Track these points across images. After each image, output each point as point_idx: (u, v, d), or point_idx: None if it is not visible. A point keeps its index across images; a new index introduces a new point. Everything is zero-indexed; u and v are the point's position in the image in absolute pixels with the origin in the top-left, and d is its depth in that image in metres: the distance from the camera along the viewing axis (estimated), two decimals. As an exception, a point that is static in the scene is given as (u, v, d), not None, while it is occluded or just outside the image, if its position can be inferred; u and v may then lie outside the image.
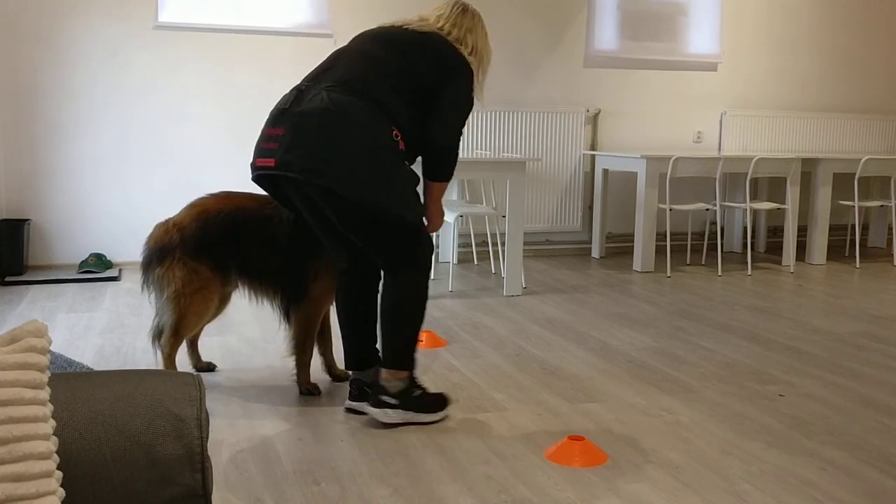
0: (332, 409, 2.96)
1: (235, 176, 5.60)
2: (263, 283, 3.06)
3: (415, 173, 2.78)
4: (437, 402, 2.83)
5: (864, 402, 3.12)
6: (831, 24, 6.92)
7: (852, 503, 2.28)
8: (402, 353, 2.75)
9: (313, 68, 2.81)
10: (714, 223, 6.08)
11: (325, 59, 2.83)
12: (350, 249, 2.86)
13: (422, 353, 3.63)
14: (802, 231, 6.41)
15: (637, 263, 5.75)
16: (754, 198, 6.40)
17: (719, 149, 6.68)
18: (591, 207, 6.35)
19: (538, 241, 6.21)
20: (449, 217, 4.69)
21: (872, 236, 7.06)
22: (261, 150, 2.68)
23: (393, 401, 2.74)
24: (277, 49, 5.60)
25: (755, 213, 6.55)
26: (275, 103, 2.74)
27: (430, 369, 3.41)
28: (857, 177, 6.08)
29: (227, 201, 3.06)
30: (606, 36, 6.32)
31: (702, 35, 6.56)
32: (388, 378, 2.74)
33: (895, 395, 3.19)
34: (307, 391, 3.09)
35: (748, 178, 5.71)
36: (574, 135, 6.22)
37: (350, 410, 2.89)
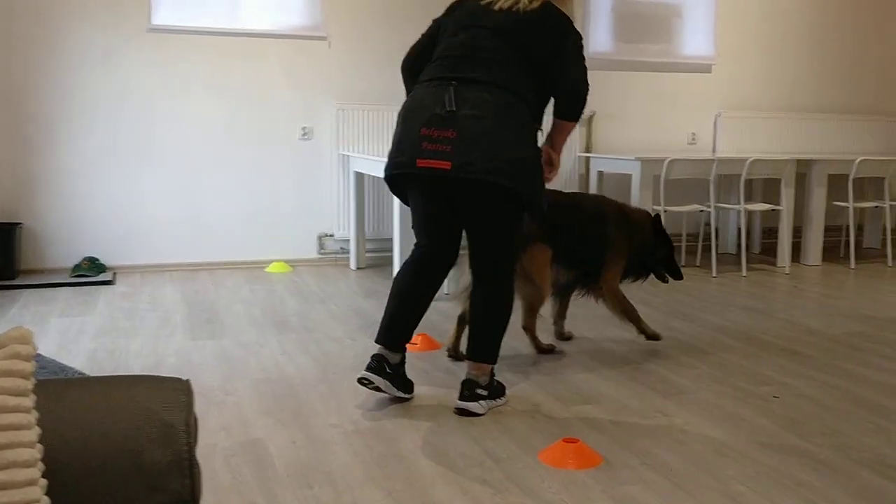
0: (325, 412, 2.95)
1: (230, 178, 5.60)
2: (568, 261, 3.62)
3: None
4: (501, 386, 3.05)
5: (858, 402, 3.12)
6: (824, 26, 6.93)
7: (847, 503, 2.28)
8: (496, 349, 2.96)
9: (440, 57, 2.87)
10: (708, 224, 6.07)
11: (444, 44, 2.89)
12: (438, 241, 3.01)
13: (417, 355, 3.62)
14: (797, 232, 6.42)
15: (632, 265, 5.74)
16: (749, 199, 6.39)
17: (714, 150, 6.68)
18: (586, 209, 6.34)
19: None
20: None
21: (867, 237, 7.06)
22: (425, 151, 2.75)
23: (485, 392, 2.93)
24: (271, 52, 5.60)
25: (750, 214, 6.54)
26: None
27: (427, 372, 3.40)
28: (851, 178, 6.08)
29: (560, 194, 3.66)
30: (601, 38, 6.32)
31: (696, 37, 6.57)
32: (478, 372, 2.93)
33: (889, 396, 3.19)
34: (654, 336, 3.82)
35: (742, 179, 5.71)
36: (569, 138, 6.20)
37: (364, 380, 2.97)
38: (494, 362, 2.97)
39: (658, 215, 3.93)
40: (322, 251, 5.85)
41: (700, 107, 6.66)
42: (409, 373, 3.26)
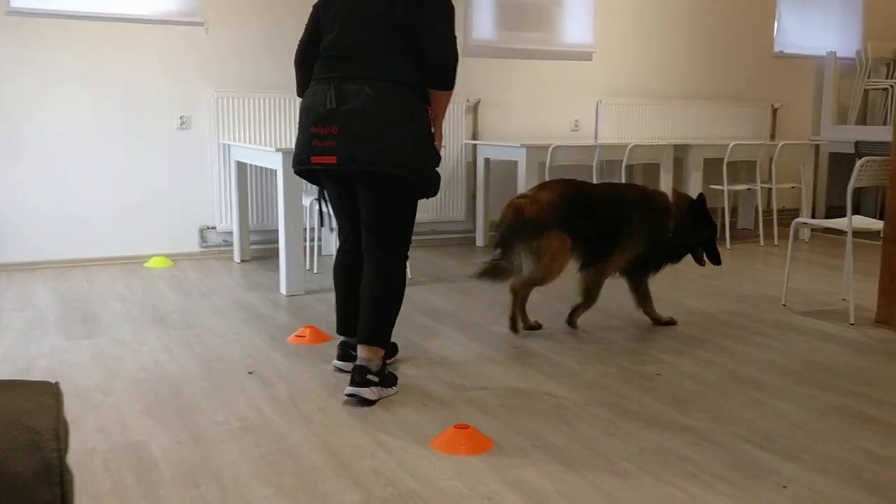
0: (211, 410, 2.85)
1: (104, 171, 5.35)
2: (594, 249, 3.81)
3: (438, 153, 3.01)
4: (393, 376, 3.07)
5: (735, 377, 3.25)
6: (699, 14, 7.19)
7: (726, 475, 2.37)
8: (386, 333, 3.00)
9: (322, 56, 2.94)
10: (592, 209, 6.23)
11: (323, 40, 2.96)
12: (357, 231, 3.08)
13: (305, 348, 3.56)
14: (675, 215, 6.64)
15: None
16: (630, 184, 6.58)
17: (595, 137, 6.85)
18: (474, 196, 6.39)
19: (423, 231, 6.20)
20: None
21: (741, 218, 7.40)
22: (314, 149, 2.88)
23: (376, 378, 2.94)
24: (145, 38, 5.36)
25: (631, 198, 6.74)
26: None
27: (316, 365, 3.34)
28: (725, 162, 6.35)
29: (576, 185, 3.85)
30: (484, 26, 6.36)
31: (577, 25, 6.70)
32: (370, 357, 2.94)
33: (763, 371, 3.35)
34: (668, 322, 4.02)
35: (624, 164, 5.88)
36: (455, 124, 6.24)
37: (338, 370, 3.20)
38: (385, 347, 3.00)
39: (702, 197, 3.98)
40: (204, 244, 5.67)
41: (582, 94, 6.80)
42: (296, 365, 3.20)
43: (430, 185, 2.99)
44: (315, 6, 3.07)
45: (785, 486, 2.30)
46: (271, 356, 3.46)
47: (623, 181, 5.82)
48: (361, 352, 2.94)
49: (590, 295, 3.94)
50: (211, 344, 3.62)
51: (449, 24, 2.93)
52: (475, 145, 6.32)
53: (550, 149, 5.61)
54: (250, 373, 3.24)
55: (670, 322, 4.04)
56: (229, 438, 2.61)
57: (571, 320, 3.96)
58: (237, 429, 2.69)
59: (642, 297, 4.02)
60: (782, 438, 2.63)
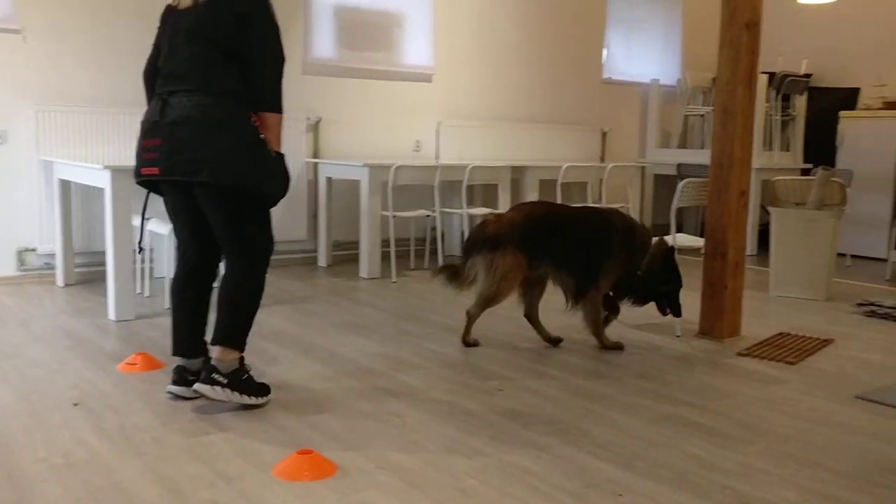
0: (31, 446, 2.63)
1: None
2: (565, 273, 3.87)
3: (280, 153, 3.00)
4: (262, 389, 3.08)
5: (573, 390, 3.36)
6: (533, 41, 7.46)
7: (566, 486, 2.43)
8: (239, 334, 3.01)
9: (158, 75, 3.00)
10: (434, 229, 6.29)
11: (160, 57, 3.02)
12: (198, 243, 3.08)
13: (137, 376, 3.37)
14: (514, 234, 6.82)
15: (363, 270, 5.80)
16: (470, 204, 6.71)
17: (437, 157, 6.94)
18: (315, 216, 6.31)
19: (262, 251, 6.04)
20: (164, 229, 4.41)
21: (574, 237, 7.69)
22: (143, 161, 2.96)
23: (223, 379, 2.96)
24: (-46, 44, 4.94)
25: (472, 217, 6.87)
26: None
27: (148, 394, 3.16)
28: (559, 182, 6.60)
29: (548, 207, 4.05)
30: (324, 44, 6.31)
31: (417, 47, 6.78)
32: (222, 357, 2.97)
33: (598, 382, 3.47)
34: (614, 346, 3.98)
35: (464, 185, 5.98)
36: (296, 143, 6.13)
37: (172, 394, 3.09)
38: (239, 349, 3.01)
39: (672, 248, 4.06)
40: (23, 267, 5.26)
41: (423, 115, 6.88)
42: (127, 395, 3.02)
43: (268, 191, 2.98)
44: (160, 22, 3.12)
45: (621, 495, 2.38)
46: (99, 386, 3.24)
47: (573, 202, 5.92)
48: (213, 352, 3.00)
49: (604, 316, 4.04)
50: (31, 375, 3.36)
51: (273, 47, 2.95)
52: (316, 164, 6.24)
53: (393, 168, 5.63)
54: (75, 404, 3.02)
55: (617, 347, 4.03)
56: (51, 476, 2.41)
57: (606, 345, 4.00)
58: (60, 465, 2.49)
59: (590, 323, 4.04)
60: (618, 448, 2.74)
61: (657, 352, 3.99)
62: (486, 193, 6.94)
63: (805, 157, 7.90)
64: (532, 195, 6.57)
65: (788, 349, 4.05)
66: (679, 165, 7.58)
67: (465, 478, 2.47)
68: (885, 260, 6.98)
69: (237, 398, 2.97)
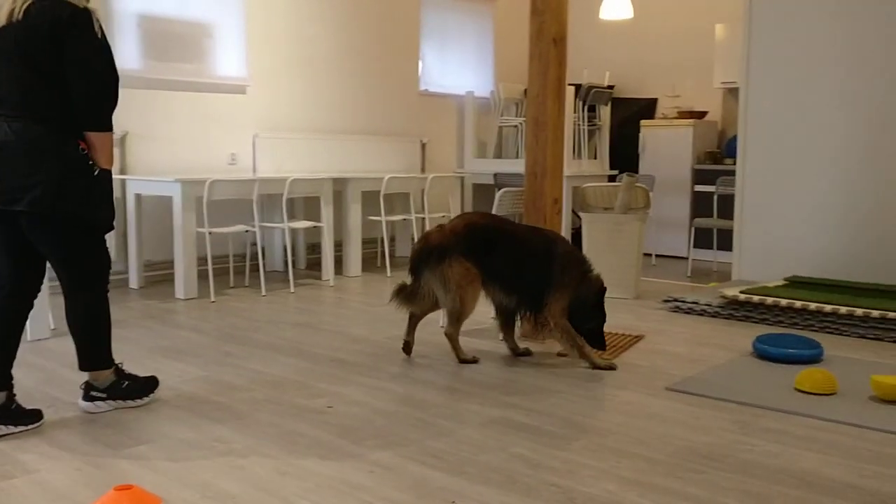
0: None
1: None
2: (507, 289, 3.86)
3: (107, 176, 2.98)
4: (147, 386, 3.28)
5: (402, 401, 3.36)
6: (350, 53, 7.45)
7: (399, 498, 2.42)
8: (102, 354, 3.14)
9: None
10: (255, 244, 6.13)
11: None
12: (19, 274, 2.99)
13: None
14: (339, 246, 6.79)
15: (179, 291, 5.55)
16: (292, 217, 6.60)
17: (254, 170, 6.77)
18: (125, 235, 5.97)
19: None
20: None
21: (399, 246, 7.76)
22: None
23: (102, 394, 3.15)
24: None
25: (294, 231, 6.76)
26: None
27: (-65, 438, 2.86)
28: (382, 194, 6.62)
29: (490, 218, 3.97)
30: (129, 55, 6.00)
31: (229, 58, 6.59)
32: (94, 377, 3.15)
33: (427, 392, 3.50)
34: (608, 367, 3.85)
35: (284, 198, 5.87)
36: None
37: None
38: (105, 366, 3.15)
39: (604, 288, 3.93)
40: None
41: (238, 127, 6.69)
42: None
43: (97, 219, 2.97)
44: None
45: (454, 502, 2.40)
46: None
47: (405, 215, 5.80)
48: (90, 375, 3.16)
49: (578, 345, 3.88)
50: None
51: (96, 62, 2.87)
52: (124, 180, 5.91)
53: (207, 183, 5.42)
54: None
55: (527, 353, 4.09)
56: None
57: (598, 365, 3.89)
58: None
59: (509, 332, 4.08)
60: (449, 455, 2.76)
61: (484, 357, 4.07)
62: (308, 206, 6.85)
63: (611, 164, 8.37)
64: (355, 207, 6.55)
65: (604, 347, 4.25)
66: (496, 175, 7.82)
67: (297, 500, 2.40)
68: (686, 258, 7.52)
69: (122, 405, 3.18)
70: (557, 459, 2.73)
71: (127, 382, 3.21)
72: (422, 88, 8.14)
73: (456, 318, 3.87)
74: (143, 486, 2.45)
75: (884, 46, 5.39)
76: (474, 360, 3.95)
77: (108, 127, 2.94)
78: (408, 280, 3.97)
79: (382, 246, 7.28)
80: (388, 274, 6.65)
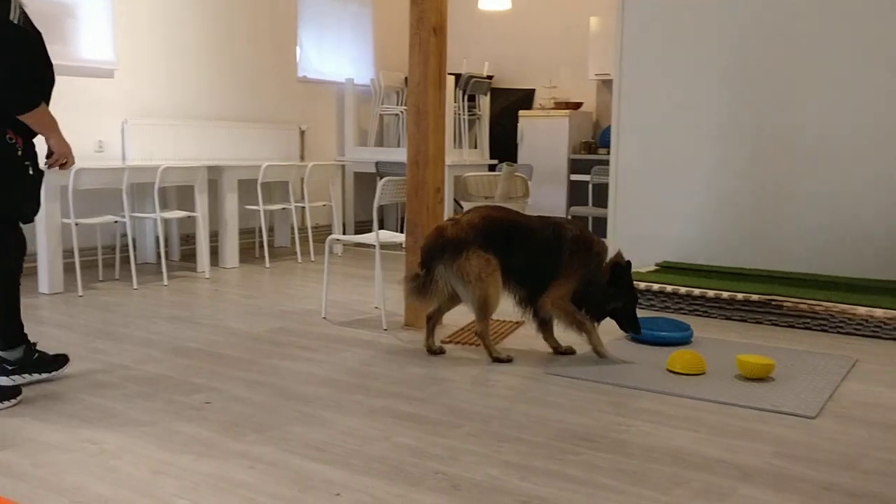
0: None
1: None
2: (512, 280, 3.79)
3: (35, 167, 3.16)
4: (58, 361, 3.44)
5: (284, 394, 3.29)
6: (225, 38, 7.22)
7: (282, 493, 2.37)
8: (8, 335, 3.28)
9: None
10: (125, 235, 5.87)
11: None
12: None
13: None
14: (214, 237, 6.60)
15: (44, 285, 5.25)
16: (164, 207, 6.36)
17: (123, 158, 6.47)
18: (-18, 227, 5.59)
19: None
20: None
21: (278, 237, 7.61)
22: None
23: (11, 367, 3.28)
24: None
25: (167, 222, 6.51)
26: None
27: None
28: (259, 182, 6.47)
29: (504, 211, 3.86)
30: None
31: (94, 40, 6.26)
32: (6, 356, 3.29)
33: (308, 384, 3.44)
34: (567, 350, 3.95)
35: (156, 187, 5.64)
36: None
37: None
38: (15, 345, 3.28)
39: (628, 264, 3.80)
40: None
41: (105, 113, 6.38)
42: None
43: (22, 211, 3.14)
44: None
45: (338, 494, 2.37)
46: None
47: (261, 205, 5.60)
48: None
49: (545, 325, 3.93)
50: None
51: (3, 49, 2.95)
52: (-19, 169, 5.53)
53: (73, 172, 5.15)
54: None
55: (570, 351, 3.97)
56: None
57: (557, 347, 3.97)
58: None
59: (542, 325, 3.95)
60: (332, 447, 2.72)
61: (367, 347, 4.04)
62: (181, 195, 6.61)
63: (491, 153, 8.48)
64: (231, 196, 6.37)
65: (486, 334, 4.30)
66: (377, 163, 7.78)
67: (175, 500, 2.32)
68: (562, 245, 7.69)
69: (36, 377, 3.34)
70: (441, 447, 2.74)
71: (38, 355, 3.37)
72: (300, 75, 8.00)
73: (483, 313, 3.74)
74: (7, 497, 2.30)
75: (758, 38, 5.67)
76: (508, 360, 3.80)
77: (33, 104, 3.07)
78: (421, 274, 3.80)
79: (261, 236, 7.12)
80: (267, 264, 6.52)
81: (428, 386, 3.42)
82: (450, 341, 4.14)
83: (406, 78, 8.15)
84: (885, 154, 5.24)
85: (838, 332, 4.49)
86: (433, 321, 3.97)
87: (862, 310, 4.40)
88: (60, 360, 3.45)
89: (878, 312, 4.35)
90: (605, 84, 8.20)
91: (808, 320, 4.56)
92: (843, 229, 5.31)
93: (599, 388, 3.43)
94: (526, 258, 3.77)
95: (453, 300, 3.88)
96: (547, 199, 8.07)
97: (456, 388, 3.41)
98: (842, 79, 5.36)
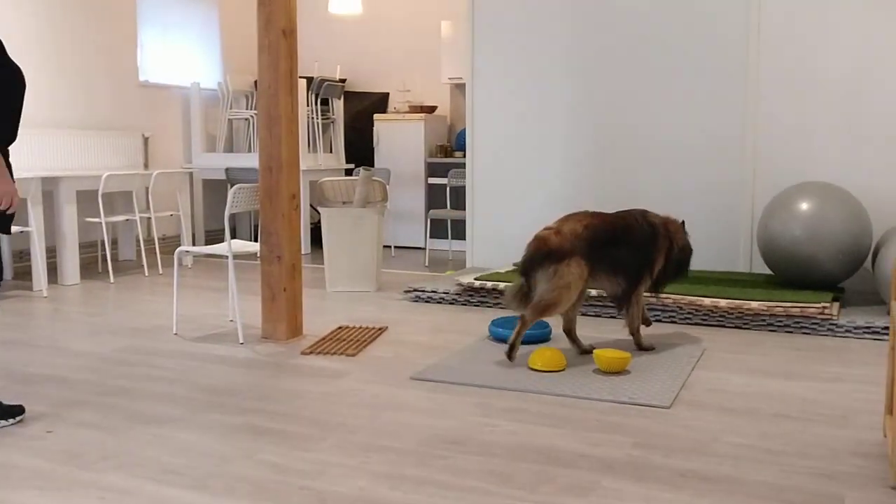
0: None
1: None
2: (617, 279, 3.93)
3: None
4: (13, 411, 3.04)
5: (135, 417, 3.10)
6: (59, 40, 6.77)
7: (136, 526, 2.21)
8: None
9: None
10: (-49, 254, 5.39)
11: None
12: None
13: None
14: (52, 252, 6.17)
15: None
16: (-5, 222, 5.88)
17: (-54, 170, 5.94)
18: None
19: None
20: None
21: (123, 250, 7.21)
22: None
23: None
24: None
25: (-2, 238, 6.04)
26: None
27: None
28: (100, 193, 6.11)
29: (600, 216, 3.93)
30: None
31: None
32: None
33: (162, 405, 3.26)
34: (650, 347, 4.09)
35: (-16, 200, 5.20)
36: None
37: None
38: None
39: (682, 223, 4.19)
40: None
41: (-78, 122, 5.83)
42: None
43: None
44: None
45: (198, 521, 2.24)
46: None
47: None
48: None
49: (646, 319, 4.18)
50: None
51: None
52: None
53: None
54: None
55: (651, 348, 4.10)
56: None
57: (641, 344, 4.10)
58: None
59: (635, 320, 4.10)
60: (190, 470, 2.58)
61: (223, 362, 3.88)
62: (14, 209, 6.13)
63: (347, 157, 8.39)
64: (69, 208, 5.98)
65: (348, 342, 4.23)
66: (228, 170, 7.53)
67: (12, 542, 2.12)
68: (423, 248, 7.73)
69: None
70: (306, 461, 2.65)
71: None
72: (142, 79, 7.62)
73: (542, 309, 3.78)
74: None
75: (608, 43, 5.87)
76: (590, 350, 4.00)
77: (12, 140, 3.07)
78: (521, 282, 3.87)
79: (103, 249, 6.72)
80: (112, 280, 6.16)
81: (289, 399, 3.32)
82: (310, 352, 4.03)
83: (255, 81, 7.93)
84: (716, 157, 5.56)
85: (687, 323, 4.70)
86: (572, 333, 4.06)
87: (707, 301, 4.63)
88: (16, 410, 3.06)
89: (722, 303, 4.59)
90: (459, 88, 8.28)
91: (659, 312, 4.75)
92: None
93: (464, 390, 3.44)
94: (629, 255, 3.93)
95: (576, 304, 3.96)
96: (406, 202, 8.06)
97: (319, 399, 3.32)
98: (677, 87, 5.65)
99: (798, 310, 4.43)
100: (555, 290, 3.74)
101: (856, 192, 5.21)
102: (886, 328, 4.30)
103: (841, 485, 2.46)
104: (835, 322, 4.40)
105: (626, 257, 3.92)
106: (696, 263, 5.59)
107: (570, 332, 4.05)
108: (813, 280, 4.80)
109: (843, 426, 2.98)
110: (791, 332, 4.48)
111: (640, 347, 4.07)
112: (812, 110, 5.33)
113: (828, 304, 4.42)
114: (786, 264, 4.83)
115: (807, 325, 4.46)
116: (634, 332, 4.08)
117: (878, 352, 4.05)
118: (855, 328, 4.37)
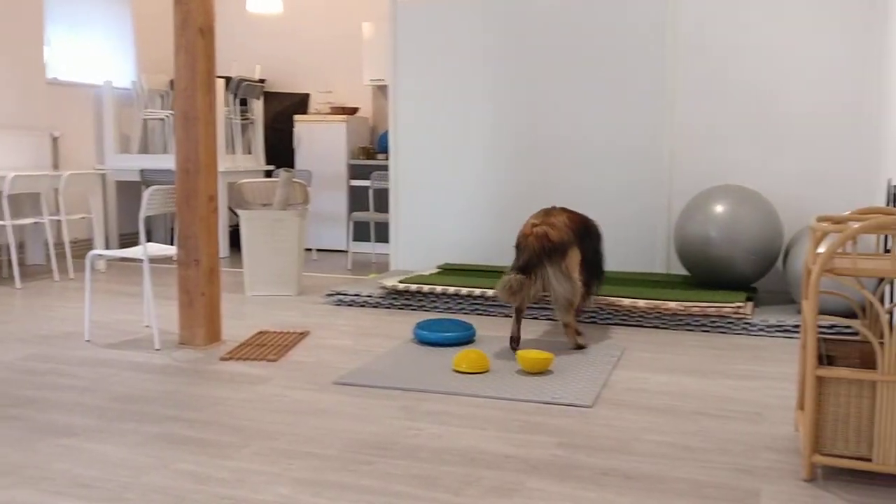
0: None
1: None
2: (586, 268, 4.20)
3: None
4: None
5: (43, 429, 2.96)
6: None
7: (44, 543, 2.11)
8: None
9: None
10: None
11: None
12: None
13: None
14: (-46, 257, 5.87)
15: None
16: None
17: None
18: None
19: None
20: None
21: (30, 254, 6.92)
22: None
23: None
24: None
25: None
26: None
27: None
28: (6, 195, 5.85)
29: (567, 212, 4.24)
30: None
31: None
32: None
33: (73, 415, 3.13)
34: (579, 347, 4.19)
35: None
36: None
37: None
38: None
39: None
40: None
41: None
42: None
43: None
44: None
45: (111, 535, 2.15)
46: None
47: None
48: None
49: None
50: None
51: None
52: None
53: None
54: None
55: (584, 346, 4.19)
56: None
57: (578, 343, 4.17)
58: None
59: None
60: (103, 482, 2.48)
61: (138, 369, 3.75)
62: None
63: (267, 159, 8.25)
64: (-27, 211, 5.70)
65: (269, 347, 4.15)
66: (142, 171, 7.31)
67: None
68: (346, 251, 7.65)
69: None
70: (227, 470, 2.58)
71: None
72: (50, 77, 7.33)
73: (571, 306, 4.01)
74: None
75: (529, 46, 5.91)
76: (584, 346, 4.16)
77: None
78: (519, 276, 3.92)
79: (9, 254, 6.44)
80: (18, 285, 5.90)
81: (208, 407, 3.22)
82: (230, 358, 3.94)
83: (172, 80, 7.72)
84: (634, 161, 5.67)
85: (607, 324, 4.77)
86: (522, 314, 4.11)
87: (626, 301, 4.71)
88: None
89: (641, 303, 4.68)
90: (381, 89, 8.24)
91: (580, 313, 4.81)
92: (604, 228, 5.68)
93: (389, 394, 3.40)
94: (591, 247, 4.27)
95: (536, 296, 4.04)
96: (327, 205, 7.97)
97: (238, 406, 3.23)
98: (596, 92, 5.74)
99: (714, 309, 4.55)
100: (573, 284, 3.99)
101: (767, 194, 5.39)
102: (797, 326, 4.45)
103: (757, 479, 2.52)
104: (749, 321, 4.54)
105: (589, 249, 4.26)
106: (615, 264, 5.71)
107: (521, 311, 4.10)
108: (727, 280, 4.94)
109: (759, 422, 3.06)
110: (708, 331, 4.59)
111: (578, 346, 4.13)
112: (726, 117, 5.49)
113: (742, 304, 4.55)
114: (701, 265, 4.96)
115: (722, 325, 4.58)
116: (575, 332, 4.15)
117: (789, 349, 4.19)
118: (768, 327, 4.51)
